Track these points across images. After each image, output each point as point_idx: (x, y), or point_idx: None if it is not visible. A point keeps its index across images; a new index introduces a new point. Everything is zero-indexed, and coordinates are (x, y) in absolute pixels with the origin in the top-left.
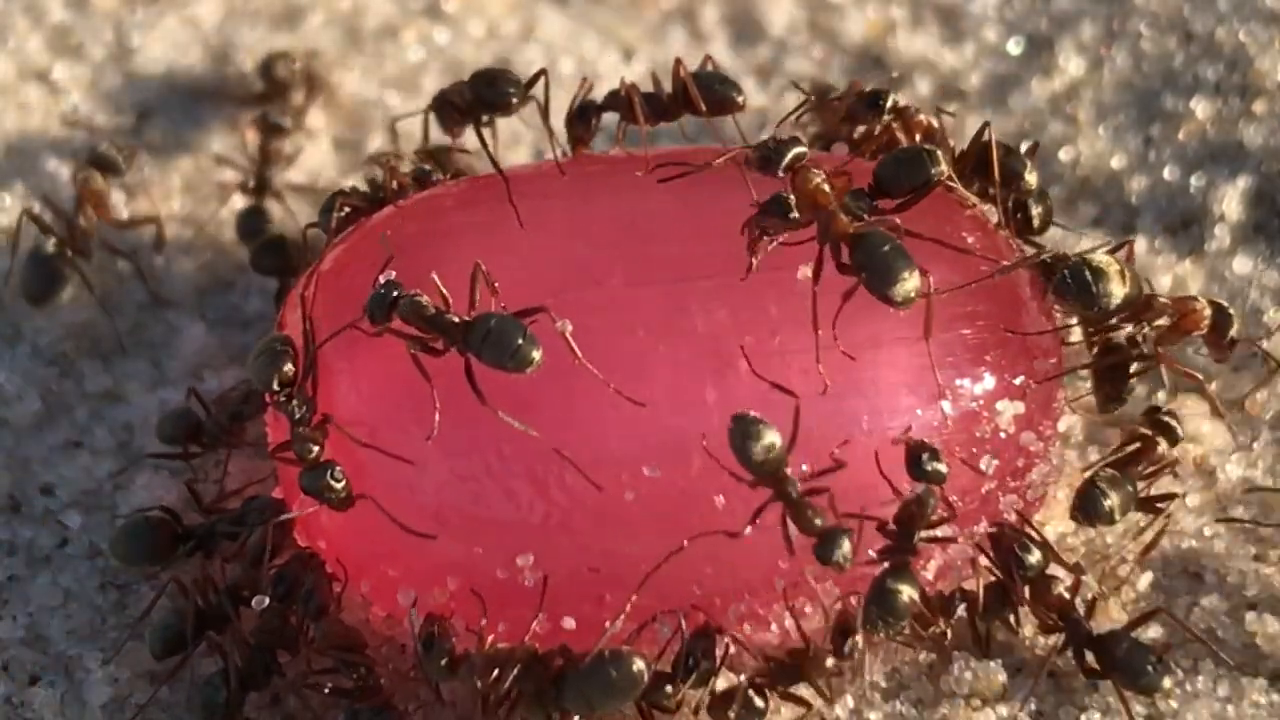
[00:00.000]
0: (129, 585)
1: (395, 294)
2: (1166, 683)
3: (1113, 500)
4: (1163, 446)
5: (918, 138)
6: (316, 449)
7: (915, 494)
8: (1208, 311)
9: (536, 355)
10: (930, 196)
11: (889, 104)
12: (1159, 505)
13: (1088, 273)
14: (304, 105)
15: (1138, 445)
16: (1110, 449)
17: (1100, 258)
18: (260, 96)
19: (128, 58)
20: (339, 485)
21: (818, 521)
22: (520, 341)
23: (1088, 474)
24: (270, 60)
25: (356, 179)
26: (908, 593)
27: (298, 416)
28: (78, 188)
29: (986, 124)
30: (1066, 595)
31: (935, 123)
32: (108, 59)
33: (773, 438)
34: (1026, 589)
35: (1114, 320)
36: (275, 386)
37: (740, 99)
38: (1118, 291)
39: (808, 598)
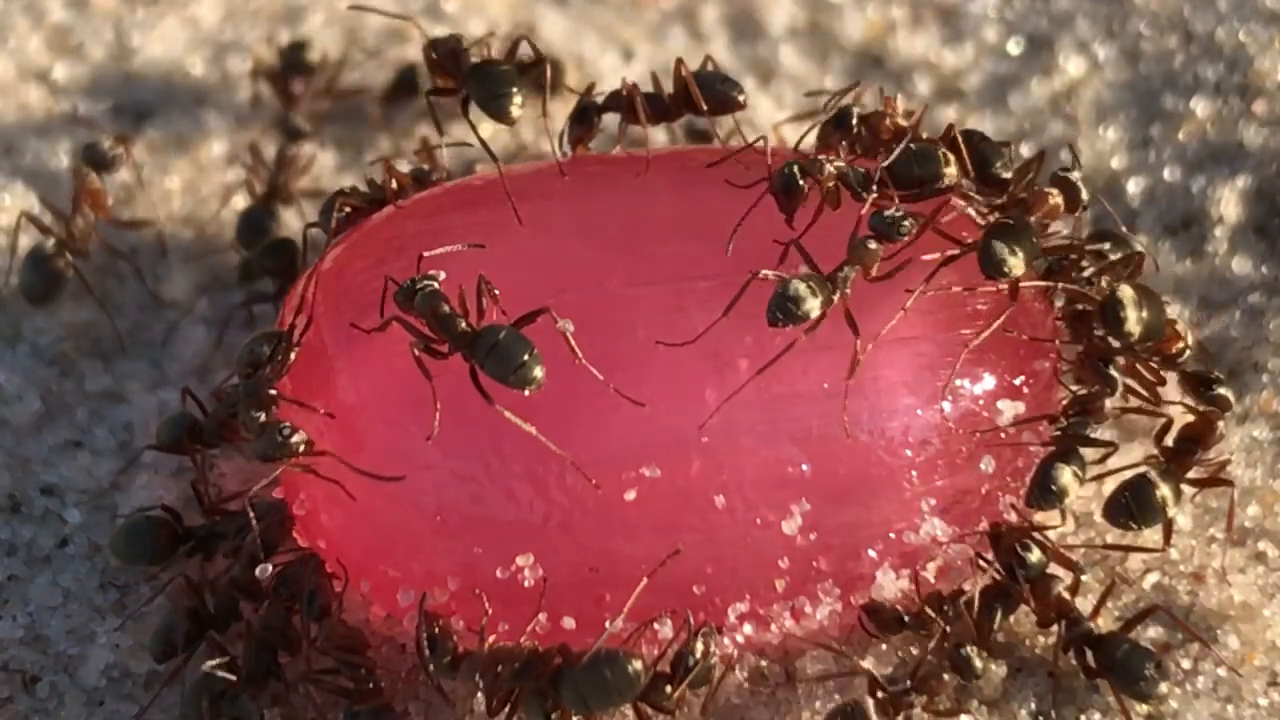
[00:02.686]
0: (129, 585)
1: (422, 285)
2: (1163, 688)
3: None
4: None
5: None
6: (262, 415)
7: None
8: (1185, 332)
9: (539, 374)
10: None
11: (854, 121)
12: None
13: (1122, 309)
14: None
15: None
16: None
17: (1127, 292)
18: (282, 76)
19: (128, 58)
20: (293, 438)
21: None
22: (525, 359)
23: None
24: (296, 45)
25: (356, 178)
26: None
27: (250, 389)
28: (75, 187)
29: (950, 126)
30: (1067, 595)
31: (904, 124)
32: (108, 59)
33: (806, 297)
34: (1027, 588)
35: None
36: (246, 367)
37: (741, 98)
38: (1141, 320)
39: (808, 597)
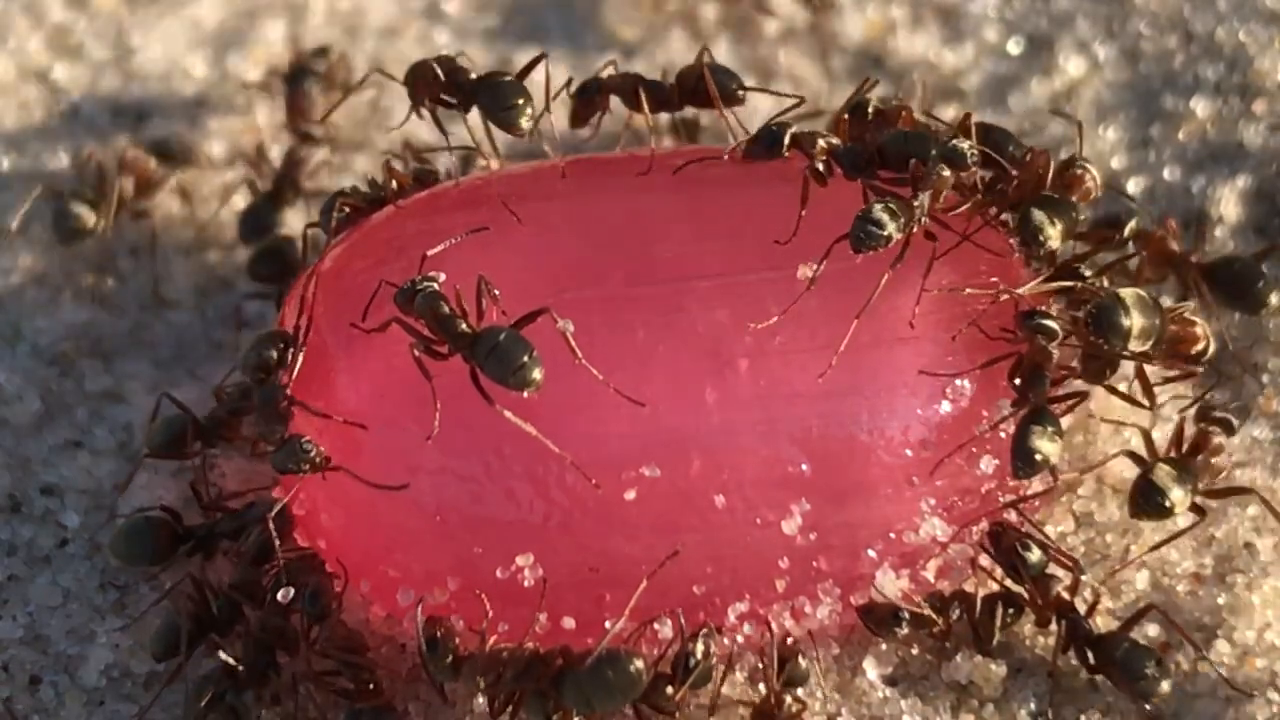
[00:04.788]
0: (129, 585)
1: (422, 287)
2: (1165, 686)
3: (1174, 495)
4: (1219, 439)
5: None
6: (280, 429)
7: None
8: (1202, 333)
9: (537, 375)
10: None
11: (869, 109)
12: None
13: (1120, 314)
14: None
15: (1194, 439)
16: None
17: (1129, 293)
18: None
19: (128, 58)
20: (310, 452)
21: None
22: (525, 360)
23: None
24: (310, 54)
25: (356, 179)
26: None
27: (266, 399)
28: (126, 160)
29: (968, 114)
30: (1066, 594)
31: (918, 117)
32: (108, 59)
33: (887, 221)
34: (1027, 588)
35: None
36: (255, 372)
37: (741, 93)
38: (1145, 329)
39: (808, 597)
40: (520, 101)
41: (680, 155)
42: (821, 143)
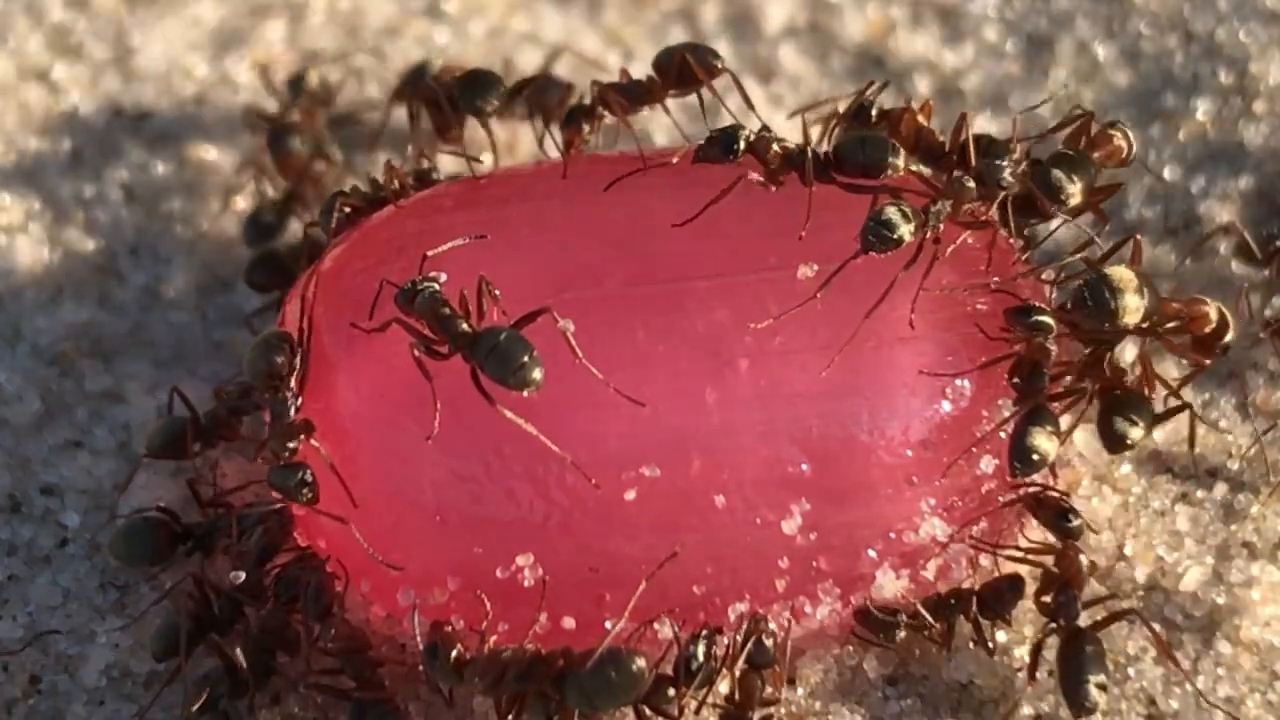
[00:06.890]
0: (129, 585)
1: (423, 287)
2: (1095, 707)
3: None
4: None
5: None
6: (293, 446)
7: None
8: (1214, 314)
9: (538, 375)
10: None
11: (874, 112)
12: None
13: (1106, 290)
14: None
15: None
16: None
17: (1118, 271)
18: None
19: (128, 58)
20: (307, 489)
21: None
22: (525, 360)
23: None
24: (303, 72)
25: (357, 179)
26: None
27: (278, 413)
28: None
29: (964, 114)
30: (1085, 570)
31: (925, 122)
32: (108, 59)
33: (899, 222)
34: (1060, 547)
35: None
36: (265, 380)
37: (719, 64)
38: (1137, 306)
39: (808, 597)
40: (490, 81)
41: (680, 156)
42: (775, 147)
